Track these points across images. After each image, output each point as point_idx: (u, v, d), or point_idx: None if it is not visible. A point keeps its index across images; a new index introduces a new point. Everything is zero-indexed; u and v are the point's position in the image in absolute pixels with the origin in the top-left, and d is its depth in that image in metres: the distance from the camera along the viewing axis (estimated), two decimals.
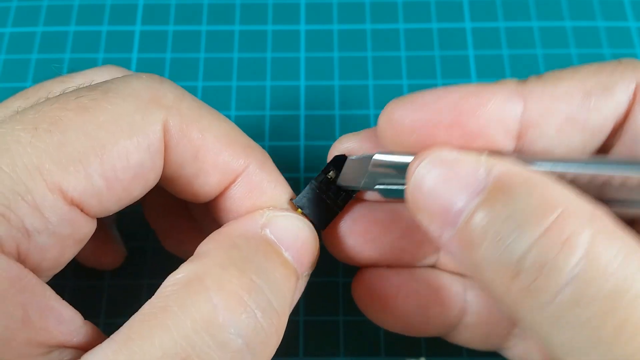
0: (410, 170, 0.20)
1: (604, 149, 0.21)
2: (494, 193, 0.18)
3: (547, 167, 0.19)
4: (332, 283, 0.33)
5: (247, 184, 0.23)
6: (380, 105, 0.37)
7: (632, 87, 0.20)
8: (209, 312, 0.18)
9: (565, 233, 0.16)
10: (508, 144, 0.21)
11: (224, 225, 0.23)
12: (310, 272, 0.24)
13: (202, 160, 0.22)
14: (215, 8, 0.41)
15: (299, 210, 0.25)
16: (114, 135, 0.20)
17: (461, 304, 0.27)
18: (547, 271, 0.16)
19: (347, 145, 0.25)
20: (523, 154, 0.21)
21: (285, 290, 0.21)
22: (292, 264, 0.22)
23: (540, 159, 0.20)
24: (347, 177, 0.24)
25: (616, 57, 0.38)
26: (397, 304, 0.26)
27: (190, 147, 0.22)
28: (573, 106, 0.20)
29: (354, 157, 0.24)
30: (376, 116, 0.37)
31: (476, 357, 0.31)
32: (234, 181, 0.23)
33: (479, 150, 0.20)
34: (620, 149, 0.21)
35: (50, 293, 0.19)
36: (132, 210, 0.32)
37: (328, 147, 0.36)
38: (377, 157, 0.23)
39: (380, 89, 0.38)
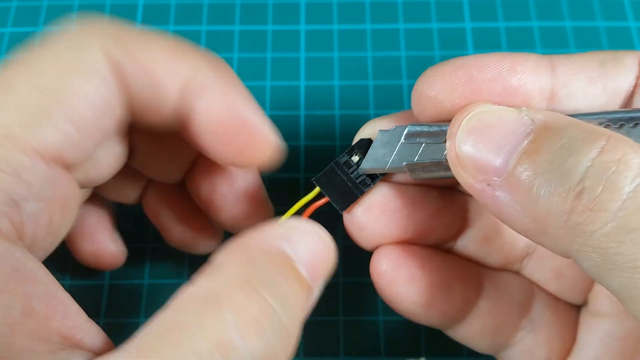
0: (454, 125, 0.21)
1: None
2: (542, 132, 0.19)
3: (581, 118, 0.21)
4: (332, 283, 0.33)
5: (198, 84, 0.22)
6: (381, 105, 0.37)
7: (637, 60, 0.22)
8: (224, 334, 0.18)
9: (619, 153, 0.17)
10: (542, 102, 0.22)
11: (242, 234, 0.22)
12: (324, 282, 0.23)
13: (153, 76, 0.22)
14: (215, 8, 0.41)
15: (318, 189, 0.24)
16: (64, 76, 0.19)
17: (479, 284, 0.27)
18: (609, 185, 0.17)
19: (377, 127, 0.25)
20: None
21: (297, 308, 0.21)
22: (307, 280, 0.22)
23: (571, 114, 0.21)
24: (376, 152, 0.24)
25: None
26: (423, 276, 0.25)
27: (138, 66, 0.21)
28: (592, 71, 0.22)
29: (385, 130, 0.24)
30: (376, 116, 0.37)
31: (476, 357, 0.31)
32: (187, 84, 0.22)
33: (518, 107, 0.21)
34: None
35: (54, 282, 0.19)
36: (132, 211, 0.32)
37: (328, 147, 0.36)
38: (412, 127, 0.23)
39: (380, 89, 0.38)
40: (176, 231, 0.31)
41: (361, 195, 0.24)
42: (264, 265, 0.21)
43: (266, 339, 0.19)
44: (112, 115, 0.21)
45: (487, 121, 0.20)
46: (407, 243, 0.26)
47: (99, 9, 0.40)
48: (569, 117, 0.20)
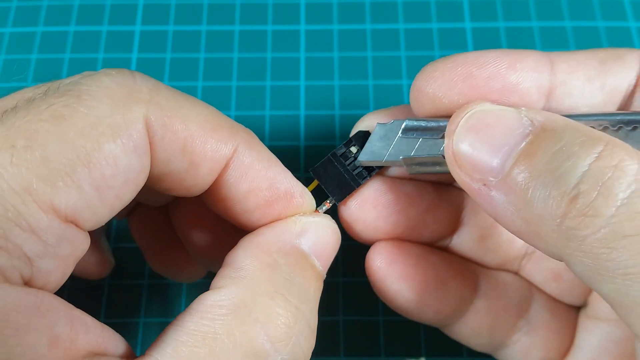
0: (452, 122, 0.21)
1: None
2: (540, 134, 0.19)
3: (579, 119, 0.21)
4: (332, 283, 0.33)
5: (239, 167, 0.22)
6: (381, 105, 0.37)
7: (639, 58, 0.22)
8: (258, 344, 0.19)
9: (616, 159, 0.17)
10: (539, 100, 0.22)
11: (257, 232, 0.23)
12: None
13: (190, 153, 0.21)
14: (215, 8, 0.41)
15: (315, 181, 0.24)
16: (97, 140, 0.18)
17: (475, 284, 0.27)
18: (604, 190, 0.16)
19: (375, 120, 0.25)
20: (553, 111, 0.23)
21: (316, 301, 0.22)
22: (322, 274, 0.23)
23: (569, 114, 0.21)
24: (373, 145, 0.24)
25: None
26: (417, 274, 0.25)
27: (176, 140, 0.21)
28: (591, 70, 0.22)
29: (383, 123, 0.24)
30: None
31: (476, 357, 0.31)
32: (226, 167, 0.22)
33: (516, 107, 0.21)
34: None
35: (68, 304, 0.19)
36: None
37: (328, 147, 0.36)
38: (409, 122, 0.23)
39: (380, 89, 0.38)
40: (159, 256, 0.30)
41: (357, 187, 0.24)
42: (286, 267, 0.21)
43: (295, 340, 0.20)
44: (135, 187, 0.20)
45: (486, 120, 0.20)
46: (402, 239, 0.26)
47: (99, 9, 0.40)
48: (568, 119, 0.19)
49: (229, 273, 0.21)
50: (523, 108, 0.20)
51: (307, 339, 0.20)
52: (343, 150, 0.24)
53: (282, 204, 0.23)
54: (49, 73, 0.38)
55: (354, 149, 0.24)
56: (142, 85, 0.20)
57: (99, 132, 0.19)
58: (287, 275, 0.21)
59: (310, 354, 0.21)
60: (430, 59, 0.38)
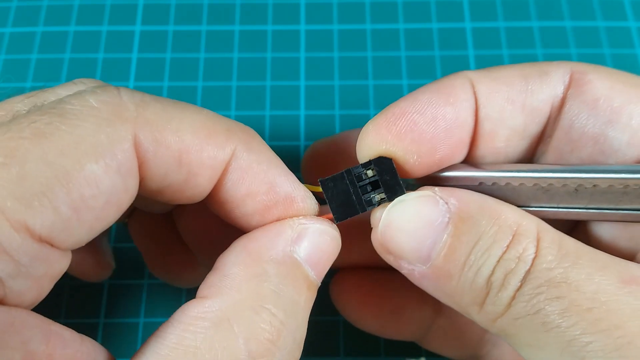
0: (375, 216, 0.22)
1: (546, 134, 0.23)
2: (459, 224, 0.20)
3: (496, 174, 0.22)
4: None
5: (237, 171, 0.22)
6: (380, 105, 0.37)
7: (567, 75, 0.22)
8: (236, 359, 0.19)
9: (519, 250, 0.19)
10: (471, 127, 0.22)
11: (251, 236, 0.22)
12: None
13: (187, 164, 0.21)
14: (215, 8, 0.41)
15: (320, 189, 0.23)
16: (79, 160, 0.18)
17: (436, 305, 0.27)
18: (505, 282, 0.19)
19: (322, 149, 0.26)
20: (473, 162, 0.23)
21: (306, 313, 0.21)
22: (315, 283, 0.22)
23: (489, 168, 0.22)
24: None
25: (616, 57, 0.38)
26: (373, 302, 0.27)
27: (170, 154, 0.20)
28: (513, 89, 0.22)
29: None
30: None
31: None
32: (224, 171, 0.22)
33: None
34: (559, 134, 0.22)
35: (46, 320, 0.19)
36: None
37: None
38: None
39: (380, 89, 0.38)
40: (160, 260, 0.30)
41: (362, 212, 0.23)
42: (275, 278, 0.20)
43: (279, 356, 0.19)
44: (118, 208, 0.20)
45: (405, 216, 0.21)
46: (362, 264, 0.27)
47: (99, 9, 0.40)
48: (481, 199, 0.21)
49: (216, 281, 0.20)
50: (436, 189, 0.21)
51: (291, 354, 0.20)
52: (359, 170, 0.23)
53: (282, 209, 0.22)
54: (49, 73, 0.38)
55: (370, 173, 0.23)
56: (129, 102, 0.20)
57: (81, 151, 0.18)
58: (275, 287, 0.20)
59: None
60: (430, 59, 0.39)
